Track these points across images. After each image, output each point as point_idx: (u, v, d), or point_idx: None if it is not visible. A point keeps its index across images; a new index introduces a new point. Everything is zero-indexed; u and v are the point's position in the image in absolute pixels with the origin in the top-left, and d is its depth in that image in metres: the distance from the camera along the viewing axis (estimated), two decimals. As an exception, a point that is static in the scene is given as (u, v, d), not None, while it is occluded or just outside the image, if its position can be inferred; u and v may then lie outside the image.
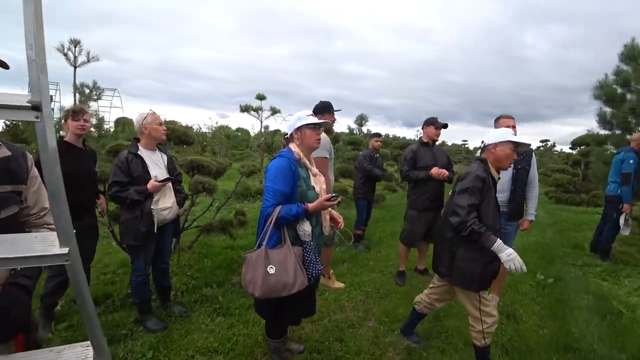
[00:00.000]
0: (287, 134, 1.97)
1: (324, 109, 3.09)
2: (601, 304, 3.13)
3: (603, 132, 5.26)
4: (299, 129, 1.85)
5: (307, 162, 1.88)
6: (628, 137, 4.91)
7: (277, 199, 1.71)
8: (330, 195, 1.74)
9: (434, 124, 3.33)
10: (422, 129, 3.45)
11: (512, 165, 2.91)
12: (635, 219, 4.49)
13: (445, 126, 3.33)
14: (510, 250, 1.75)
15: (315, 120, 1.86)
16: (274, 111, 6.33)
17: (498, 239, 1.79)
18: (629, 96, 4.80)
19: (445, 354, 2.39)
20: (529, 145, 2.21)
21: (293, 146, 1.87)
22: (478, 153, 2.34)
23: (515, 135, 2.93)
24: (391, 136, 30.80)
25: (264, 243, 1.69)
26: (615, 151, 4.96)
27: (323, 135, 3.09)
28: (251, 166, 3.63)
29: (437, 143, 3.50)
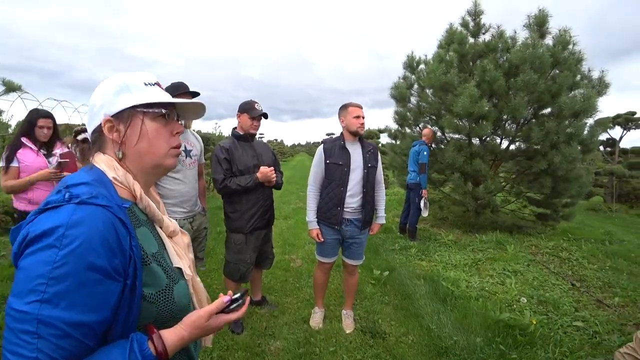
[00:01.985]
0: (83, 128, 0.74)
1: (175, 89, 2.20)
2: (435, 288, 3.36)
3: (397, 127, 6.18)
4: (121, 115, 0.67)
5: (153, 206, 0.72)
6: (418, 132, 5.94)
7: (71, 351, 0.51)
8: (228, 298, 0.72)
9: (249, 112, 2.43)
10: (237, 117, 2.55)
11: (362, 165, 2.56)
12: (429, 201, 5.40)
13: (265, 116, 2.50)
14: None
15: (166, 97, 0.72)
16: (10, 87, 3.78)
17: None
18: (412, 99, 5.81)
19: None
20: None
21: (109, 163, 0.67)
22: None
23: (363, 123, 2.58)
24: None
25: None
26: (406, 145, 5.89)
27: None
28: None
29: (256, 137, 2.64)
